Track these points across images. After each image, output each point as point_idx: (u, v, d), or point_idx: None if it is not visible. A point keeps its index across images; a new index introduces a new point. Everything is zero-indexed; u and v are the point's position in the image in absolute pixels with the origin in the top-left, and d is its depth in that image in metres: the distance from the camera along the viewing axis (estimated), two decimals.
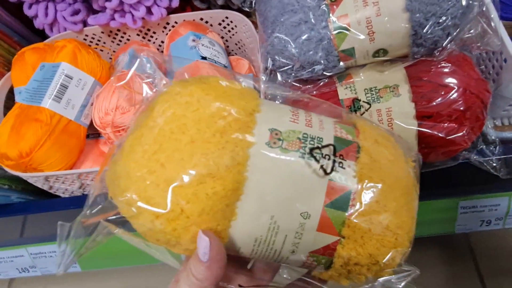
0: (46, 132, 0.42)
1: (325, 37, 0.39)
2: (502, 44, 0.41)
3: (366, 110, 0.41)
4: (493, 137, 0.42)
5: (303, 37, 0.40)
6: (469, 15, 0.36)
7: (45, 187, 0.47)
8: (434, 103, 0.40)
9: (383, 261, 0.26)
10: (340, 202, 0.26)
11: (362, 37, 0.39)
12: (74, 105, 0.45)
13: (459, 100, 0.39)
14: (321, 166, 0.26)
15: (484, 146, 0.42)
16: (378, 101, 0.41)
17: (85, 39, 0.57)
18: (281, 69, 0.42)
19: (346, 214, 0.26)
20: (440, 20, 0.36)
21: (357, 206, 0.26)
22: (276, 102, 0.36)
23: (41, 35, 0.60)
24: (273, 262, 0.29)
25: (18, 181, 0.49)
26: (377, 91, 0.41)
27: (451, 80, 0.40)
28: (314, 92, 0.42)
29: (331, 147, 0.27)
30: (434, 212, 0.53)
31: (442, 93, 0.40)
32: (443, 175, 0.45)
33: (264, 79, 0.43)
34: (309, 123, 0.29)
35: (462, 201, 0.52)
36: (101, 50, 0.59)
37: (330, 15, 0.39)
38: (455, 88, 0.39)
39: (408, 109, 0.40)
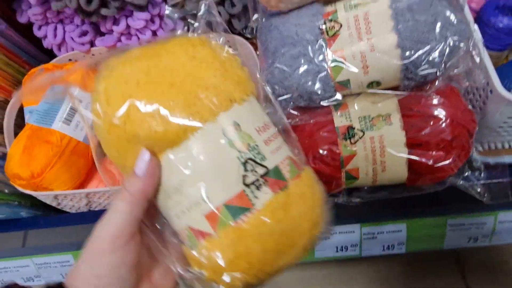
0: (57, 154, 0.44)
1: (322, 70, 0.42)
2: (488, 76, 0.44)
3: (360, 138, 0.43)
4: (478, 164, 0.44)
5: (302, 69, 0.42)
6: (457, 54, 0.38)
7: (54, 204, 0.49)
8: (424, 133, 0.42)
9: (227, 279, 0.30)
10: (237, 211, 0.29)
11: (356, 70, 0.41)
12: (83, 127, 0.47)
13: (447, 130, 0.42)
14: (244, 176, 0.29)
15: (470, 172, 0.45)
16: (372, 129, 0.43)
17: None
18: (280, 98, 0.44)
19: (232, 222, 0.29)
20: (430, 58, 0.39)
21: (244, 224, 0.29)
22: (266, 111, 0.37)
23: (49, 54, 0.62)
24: (162, 215, 0.32)
25: (27, 198, 0.52)
26: (370, 119, 0.44)
27: (439, 111, 0.42)
28: (312, 121, 0.44)
29: (265, 169, 0.30)
30: (424, 229, 0.56)
31: (431, 123, 0.42)
32: (432, 195, 0.47)
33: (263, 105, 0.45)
34: (268, 142, 0.32)
35: (450, 219, 0.55)
36: None
37: (327, 49, 0.42)
38: (443, 119, 0.42)
39: (399, 137, 0.43)
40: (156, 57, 0.31)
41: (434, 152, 0.43)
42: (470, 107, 0.44)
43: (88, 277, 0.27)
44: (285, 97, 0.44)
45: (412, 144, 0.43)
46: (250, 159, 0.29)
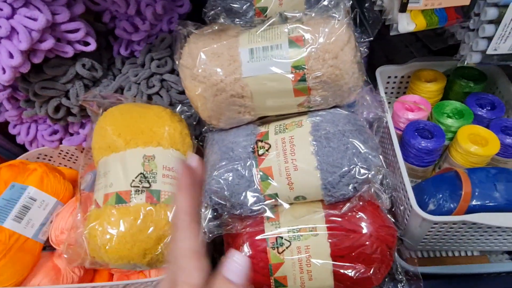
0: (2, 251, 0.47)
1: (252, 184, 0.46)
2: (406, 194, 0.49)
3: (287, 247, 0.46)
4: (400, 277, 0.47)
5: (235, 182, 0.47)
6: (365, 178, 0.43)
7: None
8: (346, 245, 0.46)
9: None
10: (120, 199, 0.45)
11: (283, 186, 0.46)
12: (33, 224, 0.50)
13: (366, 244, 0.45)
14: (133, 181, 0.46)
15: (392, 284, 0.47)
16: (299, 239, 0.47)
17: (59, 154, 0.65)
18: (217, 206, 0.48)
19: (114, 204, 0.45)
20: (343, 180, 0.44)
21: (118, 209, 0.45)
22: None
23: (22, 146, 0.68)
24: None
25: None
26: (298, 229, 0.47)
27: (360, 226, 0.46)
28: (244, 230, 0.48)
29: (148, 185, 0.46)
30: None
31: (352, 237, 0.46)
32: None
33: (203, 211, 0.49)
34: (165, 176, 0.49)
35: None
36: (74, 162, 0.66)
37: (258, 166, 0.47)
38: (363, 234, 0.46)
39: (325, 248, 0.46)
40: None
41: (355, 265, 0.46)
42: (391, 221, 0.49)
43: None
44: (220, 205, 0.48)
45: (336, 256, 0.46)
46: (144, 175, 0.46)
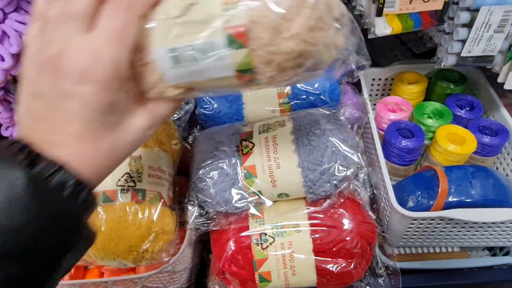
0: None
1: (236, 182, 0.48)
2: (387, 191, 0.51)
3: (271, 243, 0.48)
4: (380, 271, 0.49)
5: (220, 180, 0.48)
6: (344, 176, 0.45)
7: None
8: (327, 241, 0.47)
9: None
10: (107, 198, 0.46)
11: (266, 183, 0.48)
12: None
13: (347, 239, 0.47)
14: (119, 180, 0.46)
15: (372, 279, 0.48)
16: (282, 235, 0.48)
17: None
18: (202, 204, 0.50)
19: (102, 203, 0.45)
20: (324, 177, 0.46)
21: (105, 207, 0.45)
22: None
23: None
24: None
25: None
26: (281, 226, 0.49)
27: (341, 222, 0.48)
28: (232, 226, 0.49)
29: (134, 185, 0.47)
30: None
31: (333, 232, 0.47)
32: None
33: (190, 209, 0.51)
34: (151, 176, 0.48)
35: None
36: None
37: (242, 164, 0.48)
38: (343, 229, 0.47)
39: (307, 244, 0.47)
40: None
41: (336, 259, 0.47)
42: (372, 217, 0.50)
43: None
44: (206, 203, 0.49)
45: (318, 251, 0.48)
46: (130, 175, 0.46)
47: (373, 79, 0.70)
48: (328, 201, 0.48)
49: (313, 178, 0.46)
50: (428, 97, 0.66)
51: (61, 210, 0.23)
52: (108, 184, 0.46)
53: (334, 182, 0.46)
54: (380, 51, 0.80)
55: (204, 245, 0.60)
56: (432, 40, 0.54)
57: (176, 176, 0.56)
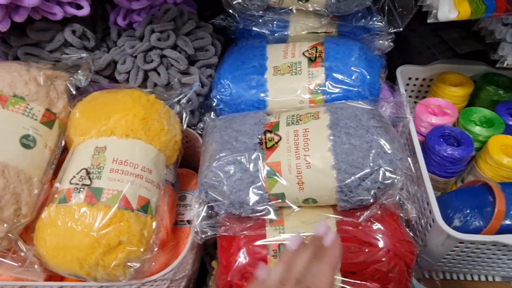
0: None
1: (256, 180, 0.40)
2: (430, 206, 0.43)
3: None
4: None
5: (236, 177, 0.40)
6: (389, 183, 0.37)
7: None
8: (358, 260, 0.39)
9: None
10: (63, 199, 0.38)
11: (291, 185, 0.40)
12: None
13: (382, 260, 0.39)
14: (73, 177, 0.39)
15: None
16: None
17: None
18: (213, 203, 0.42)
19: (58, 204, 0.38)
20: (363, 184, 0.38)
21: (58, 208, 0.38)
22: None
23: None
24: None
25: None
26: (304, 237, 0.41)
27: (376, 239, 0.40)
28: (242, 233, 0.41)
29: (89, 183, 0.38)
30: None
31: (367, 250, 0.40)
32: None
33: (197, 208, 0.43)
34: (114, 171, 0.39)
35: None
36: None
37: (264, 160, 0.40)
38: (379, 248, 0.40)
39: None
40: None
41: (368, 283, 0.40)
42: (411, 235, 0.43)
43: None
44: (217, 203, 0.41)
45: (346, 271, 0.40)
46: (88, 171, 0.38)
47: (409, 78, 0.62)
48: (366, 212, 0.40)
49: (350, 184, 0.38)
50: (470, 102, 0.58)
51: None
52: (65, 182, 0.39)
53: (374, 190, 0.38)
54: (415, 49, 0.72)
55: (205, 247, 0.52)
56: (493, 35, 0.47)
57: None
